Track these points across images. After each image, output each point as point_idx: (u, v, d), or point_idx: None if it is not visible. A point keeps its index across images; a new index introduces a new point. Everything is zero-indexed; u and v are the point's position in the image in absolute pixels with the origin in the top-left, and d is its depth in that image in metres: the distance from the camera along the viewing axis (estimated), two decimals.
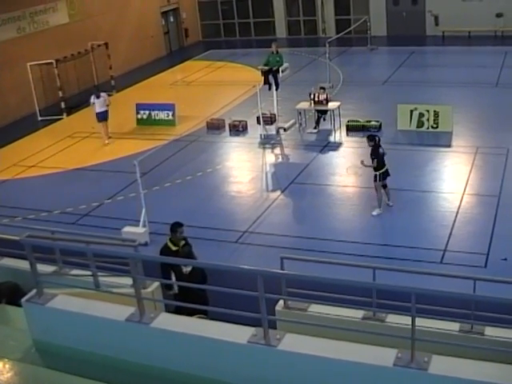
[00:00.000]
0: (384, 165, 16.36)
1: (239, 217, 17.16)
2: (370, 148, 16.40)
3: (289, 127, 23.18)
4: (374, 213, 16.51)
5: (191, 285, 9.53)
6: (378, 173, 16.31)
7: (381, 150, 16.34)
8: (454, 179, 18.42)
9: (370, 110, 24.13)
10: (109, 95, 24.03)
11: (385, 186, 16.64)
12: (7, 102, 27.33)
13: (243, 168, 20.74)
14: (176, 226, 11.55)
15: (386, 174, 16.45)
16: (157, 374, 7.71)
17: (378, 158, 16.22)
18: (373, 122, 22.29)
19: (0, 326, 9.31)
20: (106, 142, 23.39)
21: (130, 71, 34.64)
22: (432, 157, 20.01)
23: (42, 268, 9.05)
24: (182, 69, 35.59)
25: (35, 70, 27.79)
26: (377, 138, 16.49)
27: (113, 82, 31.01)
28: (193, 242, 11.92)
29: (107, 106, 23.41)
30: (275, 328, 7.86)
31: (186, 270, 10.89)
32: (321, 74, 28.74)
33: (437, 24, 37.48)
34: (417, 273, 9.82)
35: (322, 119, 23.08)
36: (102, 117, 23.34)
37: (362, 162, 16.58)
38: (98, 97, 23.29)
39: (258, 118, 22.94)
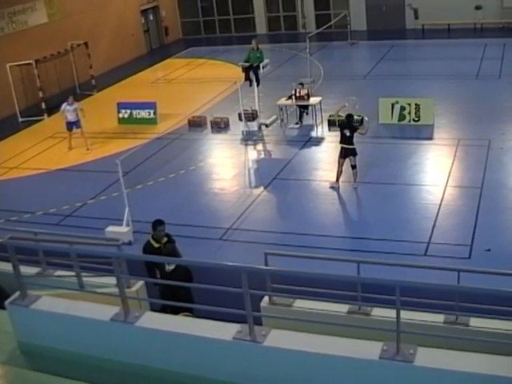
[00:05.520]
0: (345, 143, 17.45)
1: (223, 214, 17.14)
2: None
3: (270, 123, 23.17)
4: (329, 185, 17.82)
5: (174, 283, 9.53)
6: (340, 145, 17.65)
7: (346, 132, 17.42)
8: (436, 172, 18.49)
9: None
10: (89, 95, 23.41)
11: (353, 167, 17.47)
12: None
13: (226, 165, 20.71)
14: (157, 224, 11.66)
15: (349, 153, 17.37)
16: (143, 373, 7.68)
17: (340, 132, 17.63)
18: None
19: None
20: (88, 150, 22.38)
21: (110, 70, 34.47)
22: (414, 150, 20.08)
23: (26, 270, 8.97)
24: (163, 67, 35.50)
25: (15, 70, 27.54)
26: (351, 120, 17.78)
27: (93, 82, 30.87)
28: (177, 239, 11.95)
29: (83, 116, 22.47)
30: (261, 324, 7.84)
31: (169, 268, 10.87)
32: (302, 69, 28.72)
33: (416, 17, 37.62)
34: (401, 265, 9.85)
35: (304, 114, 23.13)
36: (71, 126, 22.41)
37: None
38: (70, 104, 22.30)
39: (239, 115, 22.91)
